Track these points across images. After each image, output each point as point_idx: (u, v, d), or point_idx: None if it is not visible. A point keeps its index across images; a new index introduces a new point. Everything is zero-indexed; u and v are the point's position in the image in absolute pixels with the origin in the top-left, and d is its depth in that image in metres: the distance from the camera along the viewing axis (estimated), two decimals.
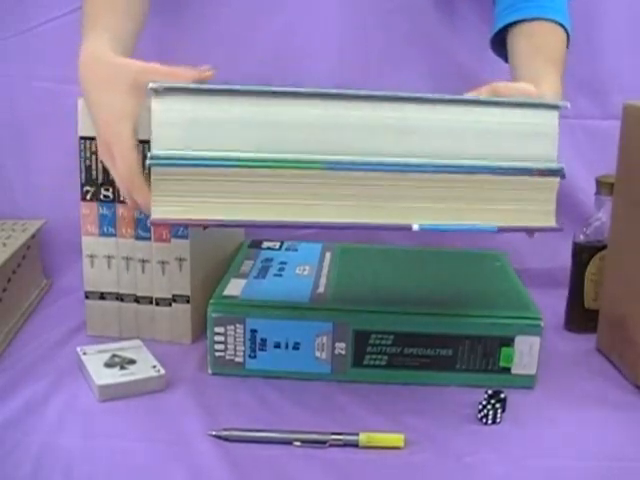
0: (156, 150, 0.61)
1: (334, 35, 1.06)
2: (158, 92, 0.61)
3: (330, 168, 0.61)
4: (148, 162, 0.61)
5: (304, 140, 0.61)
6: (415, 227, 0.62)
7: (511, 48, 0.88)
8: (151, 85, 0.60)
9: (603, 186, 0.93)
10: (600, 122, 1.10)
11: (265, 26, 1.06)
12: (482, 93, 0.69)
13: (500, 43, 0.91)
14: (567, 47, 0.87)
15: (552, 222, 0.65)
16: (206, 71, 0.68)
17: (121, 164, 0.68)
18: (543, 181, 0.63)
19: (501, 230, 0.64)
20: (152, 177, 0.61)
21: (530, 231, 0.67)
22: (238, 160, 0.60)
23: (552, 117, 0.64)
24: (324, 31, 1.06)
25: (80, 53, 0.76)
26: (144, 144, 0.73)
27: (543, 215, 0.64)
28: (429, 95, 0.63)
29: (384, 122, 0.62)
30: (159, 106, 0.60)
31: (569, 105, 0.64)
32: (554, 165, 0.64)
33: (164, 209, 0.61)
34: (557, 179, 0.64)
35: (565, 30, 0.87)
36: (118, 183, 0.70)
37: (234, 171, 0.60)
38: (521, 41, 0.87)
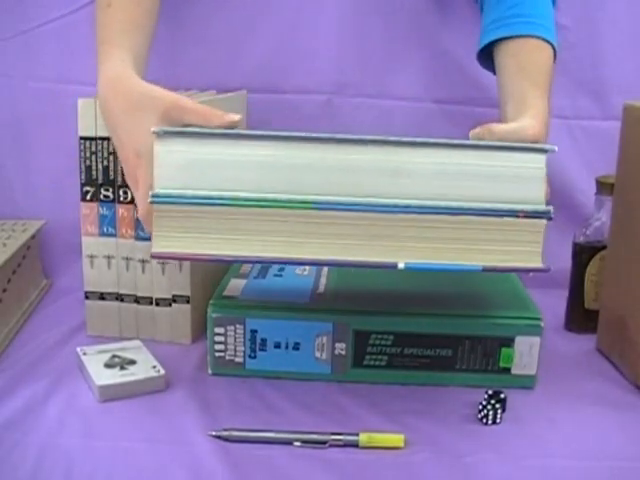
0: (157, 189, 0.64)
1: (334, 35, 1.06)
2: (160, 135, 0.64)
3: (320, 208, 0.63)
4: (149, 200, 0.64)
5: (296, 181, 0.63)
6: (400, 266, 0.64)
7: (498, 65, 0.87)
8: (153, 129, 0.64)
9: (603, 186, 0.93)
10: (600, 122, 1.10)
11: (265, 26, 1.06)
12: (482, 132, 0.69)
13: (487, 56, 0.90)
14: (554, 63, 0.86)
15: (538, 263, 0.66)
16: (234, 117, 0.70)
17: (142, 197, 0.70)
18: (530, 223, 0.65)
19: (486, 270, 0.65)
20: (153, 213, 0.64)
21: (516, 271, 0.68)
22: (233, 199, 0.63)
23: (539, 160, 0.65)
24: (324, 31, 1.06)
25: (100, 73, 0.76)
26: None
27: (529, 256, 0.65)
28: (417, 139, 0.64)
29: (372, 165, 0.64)
30: (160, 148, 0.64)
31: (556, 149, 0.65)
32: (541, 207, 0.65)
33: (164, 243, 0.65)
34: (544, 221, 0.65)
35: (552, 46, 0.85)
36: (138, 207, 0.72)
37: (229, 210, 0.63)
38: (507, 59, 0.86)
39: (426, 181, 0.64)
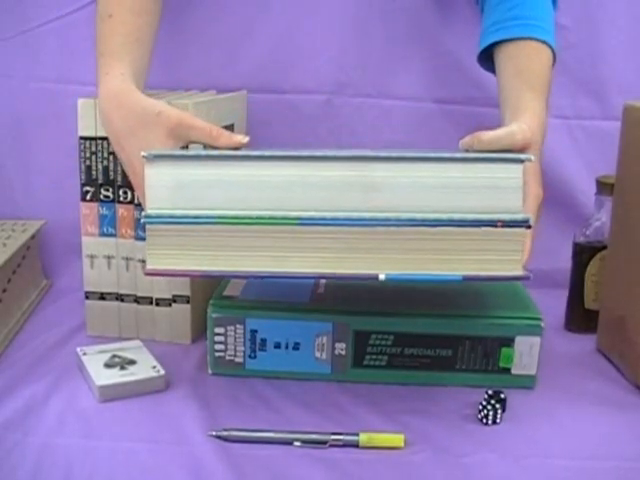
0: (149, 209, 0.67)
1: (334, 35, 1.06)
2: (149, 159, 0.66)
3: (301, 224, 0.65)
4: (142, 220, 0.67)
5: (279, 198, 0.66)
6: (381, 277, 0.65)
7: (497, 68, 0.87)
8: (142, 153, 0.66)
9: (603, 186, 0.93)
10: (600, 122, 1.10)
11: (265, 26, 1.06)
12: (471, 141, 0.70)
13: (487, 58, 0.90)
14: (553, 65, 0.86)
15: (519, 271, 0.66)
16: (242, 139, 0.73)
17: None
18: (508, 232, 0.65)
19: (466, 279, 0.66)
20: (146, 233, 0.67)
21: (497, 280, 0.68)
22: (220, 218, 0.66)
23: (516, 170, 0.65)
24: (324, 31, 1.06)
25: (100, 86, 0.77)
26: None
27: (510, 264, 0.66)
28: (393, 154, 0.66)
29: (351, 180, 0.65)
30: (150, 171, 0.67)
31: (533, 158, 0.66)
32: (519, 216, 0.65)
33: (157, 261, 0.67)
34: (522, 230, 0.65)
35: (551, 48, 0.85)
36: None
37: (217, 228, 0.66)
38: (506, 62, 0.86)
39: (404, 194, 0.65)
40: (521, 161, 0.65)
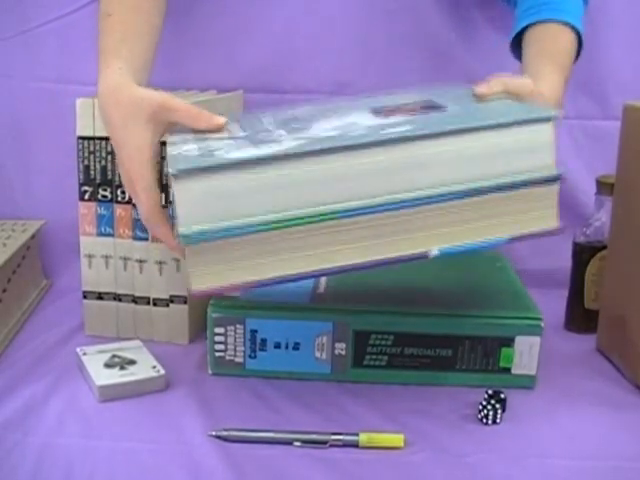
0: (185, 227, 0.63)
1: (334, 35, 1.06)
2: (177, 176, 0.63)
3: (342, 217, 0.64)
4: (179, 241, 0.63)
5: (315, 194, 0.64)
6: (434, 253, 0.66)
7: (524, 50, 0.89)
8: (170, 171, 0.63)
9: (603, 186, 0.93)
10: (600, 122, 1.10)
11: (265, 26, 1.06)
12: (490, 86, 0.72)
13: (518, 45, 0.91)
14: (579, 50, 0.87)
15: (554, 224, 0.68)
16: (220, 121, 0.72)
17: (143, 202, 0.73)
18: (543, 189, 0.66)
19: (512, 240, 0.67)
20: (186, 252, 0.64)
21: (536, 236, 0.69)
22: (259, 224, 0.63)
23: (547, 129, 0.66)
24: (325, 31, 1.06)
25: (99, 82, 0.77)
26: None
27: (546, 219, 0.67)
28: (425, 131, 0.65)
29: (385, 165, 0.64)
30: (180, 187, 0.63)
31: (560, 114, 0.67)
32: (552, 173, 0.66)
33: (202, 279, 0.65)
34: (556, 185, 0.67)
35: (577, 32, 0.87)
36: (141, 217, 0.75)
37: (260, 235, 0.63)
38: (531, 43, 0.88)
39: (440, 169, 0.65)
40: (549, 119, 0.66)
